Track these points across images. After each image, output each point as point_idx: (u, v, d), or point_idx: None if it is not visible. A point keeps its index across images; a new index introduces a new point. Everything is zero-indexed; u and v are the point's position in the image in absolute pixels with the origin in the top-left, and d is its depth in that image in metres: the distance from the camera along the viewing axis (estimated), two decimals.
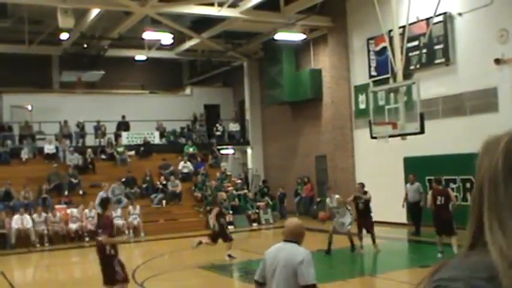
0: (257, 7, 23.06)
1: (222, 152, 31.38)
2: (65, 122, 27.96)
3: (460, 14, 19.60)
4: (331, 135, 25.61)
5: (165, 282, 13.15)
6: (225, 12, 23.50)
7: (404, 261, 15.91)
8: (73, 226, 21.67)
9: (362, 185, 16.71)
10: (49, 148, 26.46)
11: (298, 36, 25.84)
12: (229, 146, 32.14)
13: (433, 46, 20.29)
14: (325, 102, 26.35)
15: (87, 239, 21.50)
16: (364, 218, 16.13)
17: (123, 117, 29.27)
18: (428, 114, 18.41)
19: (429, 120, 18.21)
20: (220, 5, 23.13)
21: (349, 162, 24.50)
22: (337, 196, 16.82)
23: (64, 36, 27.24)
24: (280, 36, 25.52)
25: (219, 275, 14.17)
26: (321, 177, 26.57)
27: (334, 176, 25.21)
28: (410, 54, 20.48)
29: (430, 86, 19.74)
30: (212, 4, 23.19)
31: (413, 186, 18.92)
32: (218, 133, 31.05)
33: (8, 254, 19.71)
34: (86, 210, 22.03)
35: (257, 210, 25.49)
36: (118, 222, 22.10)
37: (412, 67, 20.73)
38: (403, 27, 19.19)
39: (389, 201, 20.11)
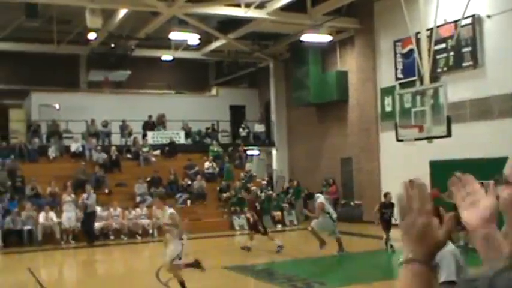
0: (284, 8, 23.05)
1: (247, 152, 31.41)
2: (92, 121, 28.21)
3: (489, 17, 19.38)
4: (357, 138, 25.49)
5: (188, 282, 13.15)
6: (252, 13, 23.53)
7: None
8: (98, 225, 21.82)
9: (387, 194, 17.04)
10: (76, 146, 26.73)
11: (324, 38, 25.77)
12: (254, 147, 32.16)
13: (461, 49, 20.09)
14: (351, 104, 26.24)
15: (112, 237, 21.66)
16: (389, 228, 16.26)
17: (150, 116, 29.44)
18: (455, 117, 18.23)
19: (456, 124, 18.03)
20: (247, 6, 23.16)
21: (374, 164, 24.36)
22: (319, 199, 16.94)
23: (92, 36, 27.50)
24: (306, 37, 25.47)
25: (242, 276, 14.18)
26: (346, 179, 26.47)
27: (360, 178, 25.09)
28: (437, 56, 20.30)
29: (458, 89, 19.53)
30: (239, 5, 23.24)
31: None
32: (243, 134, 31.08)
33: (34, 251, 19.94)
34: (111, 209, 22.18)
35: (285, 208, 25.46)
36: (143, 221, 22.26)
37: (439, 70, 20.57)
38: (431, 29, 19.05)
39: None
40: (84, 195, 21.14)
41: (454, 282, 4.30)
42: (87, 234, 21.01)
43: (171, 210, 11.91)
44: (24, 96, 30.00)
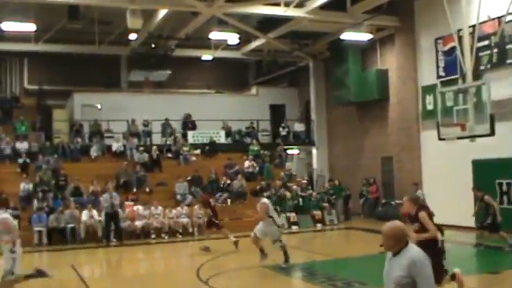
0: (323, 7, 22.95)
1: (287, 152, 31.37)
2: (133, 120, 28.50)
3: None
4: (398, 136, 25.24)
5: (228, 280, 13.21)
6: (291, 12, 23.48)
7: (472, 267, 15.50)
8: (139, 223, 22.03)
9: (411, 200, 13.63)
10: (117, 146, 27.05)
11: (364, 36, 25.57)
12: (294, 146, 32.10)
13: (505, 45, 19.70)
14: (391, 102, 25.99)
15: (153, 236, 21.84)
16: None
17: (188, 116, 29.57)
18: (498, 115, 17.89)
19: (500, 122, 17.72)
20: (287, 5, 23.12)
21: (415, 163, 24.07)
22: (262, 201, 15.35)
23: (132, 36, 27.83)
24: (346, 36, 25.31)
25: (282, 275, 14.14)
26: (387, 178, 26.23)
27: (401, 177, 24.81)
28: (480, 54, 19.96)
29: (501, 86, 19.16)
30: (278, 4, 23.21)
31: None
32: (283, 133, 31.05)
33: (77, 248, 20.23)
34: (152, 208, 22.36)
35: (325, 207, 25.37)
36: (183, 220, 22.39)
37: (482, 67, 20.22)
38: (473, 26, 18.76)
39: (456, 204, 19.68)
40: (106, 195, 21.34)
41: None
42: (112, 233, 21.18)
43: None
44: (67, 96, 30.48)
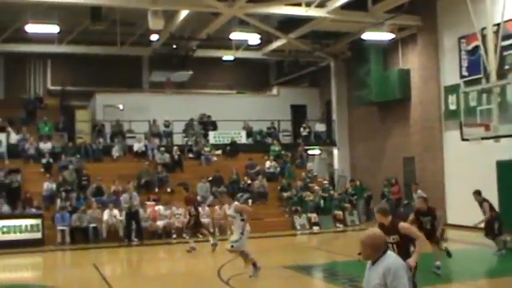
0: (345, 6, 22.88)
1: (308, 152, 31.29)
2: (154, 121, 28.62)
3: None
4: (420, 137, 25.05)
5: (249, 280, 13.20)
6: (312, 12, 23.43)
7: (496, 269, 15.34)
8: (160, 223, 22.11)
9: (424, 199, 13.70)
10: (138, 146, 27.19)
11: (386, 36, 25.41)
12: (315, 147, 32.01)
13: None
14: (413, 103, 25.80)
15: (174, 236, 21.91)
16: (430, 238, 12.87)
17: (204, 116, 29.61)
18: None
19: None
20: (308, 5, 23.08)
21: (438, 164, 23.88)
22: (236, 203, 14.10)
23: (154, 37, 27.93)
24: (368, 35, 25.18)
25: (303, 276, 14.11)
26: (409, 179, 26.00)
27: (423, 178, 24.62)
28: (504, 53, 19.73)
29: None
30: (299, 4, 23.17)
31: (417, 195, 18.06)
32: (304, 133, 30.98)
33: (99, 248, 20.38)
34: (174, 208, 22.43)
35: (347, 208, 25.29)
36: (204, 220, 22.42)
37: (506, 67, 19.98)
38: (498, 25, 18.56)
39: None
40: (126, 195, 21.45)
41: None
42: (133, 233, 21.31)
43: None
44: (89, 97, 30.71)
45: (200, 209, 22.75)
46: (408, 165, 26.22)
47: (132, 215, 21.22)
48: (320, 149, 32.61)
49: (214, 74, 34.62)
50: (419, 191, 18.77)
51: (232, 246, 13.49)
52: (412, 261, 8.11)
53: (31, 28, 24.47)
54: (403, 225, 8.43)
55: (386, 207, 8.94)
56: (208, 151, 27.73)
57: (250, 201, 24.86)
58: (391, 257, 4.98)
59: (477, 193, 16.29)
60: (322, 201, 25.08)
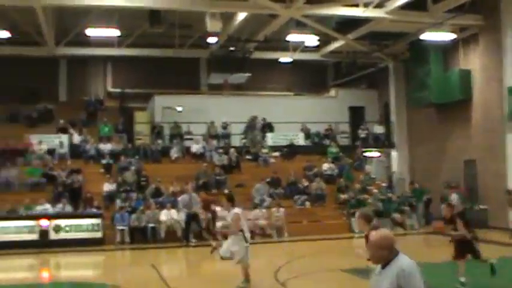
0: (404, 7, 22.54)
1: (366, 154, 30.99)
2: (212, 122, 28.83)
3: None
4: (481, 139, 24.48)
5: (306, 283, 13.13)
6: (370, 12, 23.18)
7: None
8: (218, 224, 22.22)
9: (449, 206, 12.89)
10: (196, 148, 27.44)
11: (446, 36, 24.93)
12: (373, 149, 31.66)
13: None
14: (474, 104, 25.22)
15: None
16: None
17: (255, 118, 29.64)
18: None
19: None
20: (366, 5, 22.85)
21: (500, 167, 23.24)
22: (235, 210, 12.60)
23: (212, 39, 28.12)
24: (427, 36, 24.76)
25: (360, 279, 13.94)
26: (470, 182, 25.45)
27: (485, 181, 24.03)
28: None
29: None
30: (357, 5, 22.96)
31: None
32: (362, 135, 30.69)
33: (158, 248, 20.62)
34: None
35: (406, 211, 24.91)
36: (262, 222, 22.45)
37: None
38: None
39: None
40: (185, 196, 21.61)
41: None
42: (192, 234, 21.46)
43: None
44: (148, 99, 31.15)
45: (257, 210, 22.84)
46: (469, 168, 25.63)
47: (192, 216, 21.40)
48: (378, 151, 32.23)
49: (271, 75, 34.64)
50: (453, 195, 18.07)
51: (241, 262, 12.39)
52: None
53: (92, 32, 25.01)
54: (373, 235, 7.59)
55: (369, 212, 7.87)
56: (266, 153, 27.78)
57: (307, 203, 24.80)
58: (405, 259, 4.72)
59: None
60: (380, 204, 24.76)
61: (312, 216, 24.30)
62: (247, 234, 12.31)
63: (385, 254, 4.66)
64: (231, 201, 12.71)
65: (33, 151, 25.89)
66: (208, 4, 22.09)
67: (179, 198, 22.08)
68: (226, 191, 24.56)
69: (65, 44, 28.54)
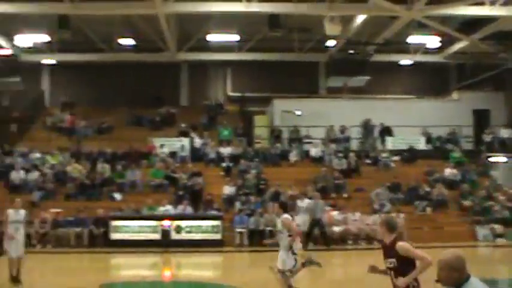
0: None
1: (492, 159, 29.66)
2: (331, 126, 28.64)
3: None
4: None
5: None
6: (497, 11, 22.24)
7: None
8: (336, 229, 22.02)
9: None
10: (315, 152, 27.35)
11: None
12: (500, 154, 30.24)
13: None
14: None
15: (350, 242, 21.72)
16: None
17: (368, 121, 29.10)
18: None
19: None
20: (492, 3, 21.91)
21: None
22: (284, 215, 11.33)
23: (331, 42, 27.99)
24: None
25: None
26: None
27: None
28: None
29: None
30: (483, 3, 22.06)
31: None
32: (488, 140, 29.40)
33: (276, 251, 20.58)
34: (349, 214, 22.26)
35: None
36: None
37: None
38: None
39: None
40: (311, 201, 21.50)
41: None
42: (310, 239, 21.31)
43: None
44: (267, 103, 31.40)
45: (376, 215, 22.41)
46: None
47: (316, 222, 21.29)
48: (506, 157, 30.74)
49: (391, 78, 34.02)
50: None
51: (291, 272, 11.15)
52: (402, 282, 6.41)
53: (212, 37, 25.59)
54: (401, 245, 6.53)
55: (393, 220, 7.09)
56: (385, 157, 27.24)
57: (428, 209, 24.06)
58: (478, 283, 4.22)
59: None
60: (507, 212, 23.58)
61: (433, 222, 23.54)
62: (298, 245, 11.31)
63: (455, 276, 4.21)
64: (283, 207, 11.96)
65: (156, 154, 26.80)
66: (327, 8, 22.00)
67: (302, 203, 21.98)
68: (345, 195, 24.34)
69: (187, 50, 29.38)
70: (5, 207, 14.14)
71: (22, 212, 13.84)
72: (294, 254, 10.94)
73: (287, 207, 11.82)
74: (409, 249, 6.44)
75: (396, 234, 6.69)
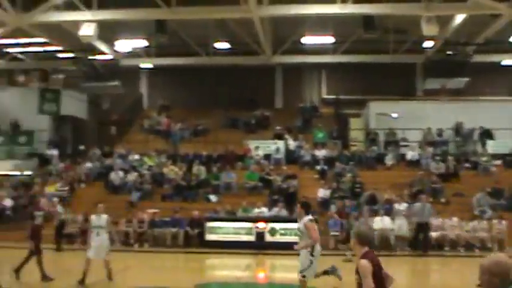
0: None
1: None
2: (428, 129, 27.97)
3: None
4: None
5: None
6: None
7: None
8: (434, 234, 21.44)
9: None
10: (412, 155, 26.79)
11: None
12: None
13: None
14: None
15: (446, 248, 21.10)
16: None
17: (460, 124, 28.10)
18: None
19: None
20: None
21: None
22: (308, 217, 10.79)
23: (428, 43, 27.33)
24: None
25: None
26: None
27: None
28: None
29: None
30: None
31: None
32: None
33: (382, 255, 20.31)
34: (447, 219, 21.64)
35: None
36: (482, 234, 21.25)
37: None
38: None
39: None
40: (418, 204, 21.03)
41: None
42: (420, 243, 20.83)
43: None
44: (362, 105, 31.05)
45: (476, 221, 21.65)
46: None
47: (423, 226, 20.81)
48: None
49: (492, 79, 32.80)
50: None
51: (304, 277, 10.78)
52: None
53: (307, 40, 25.54)
54: (362, 264, 6.02)
55: (366, 233, 6.47)
56: (486, 161, 26.27)
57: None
58: None
59: None
60: None
61: None
62: (318, 247, 10.84)
63: (496, 282, 3.97)
64: (305, 208, 10.98)
65: (251, 156, 27.02)
66: (424, 8, 21.48)
67: (400, 206, 21.56)
68: (442, 200, 23.66)
69: (281, 53, 29.48)
70: (104, 207, 14.48)
71: (104, 217, 13.99)
72: (312, 255, 10.69)
73: (310, 207, 11.16)
74: (365, 272, 5.90)
75: (368, 249, 6.21)
